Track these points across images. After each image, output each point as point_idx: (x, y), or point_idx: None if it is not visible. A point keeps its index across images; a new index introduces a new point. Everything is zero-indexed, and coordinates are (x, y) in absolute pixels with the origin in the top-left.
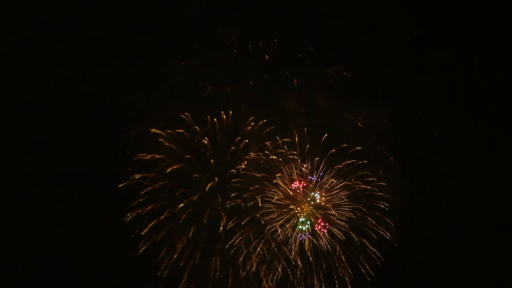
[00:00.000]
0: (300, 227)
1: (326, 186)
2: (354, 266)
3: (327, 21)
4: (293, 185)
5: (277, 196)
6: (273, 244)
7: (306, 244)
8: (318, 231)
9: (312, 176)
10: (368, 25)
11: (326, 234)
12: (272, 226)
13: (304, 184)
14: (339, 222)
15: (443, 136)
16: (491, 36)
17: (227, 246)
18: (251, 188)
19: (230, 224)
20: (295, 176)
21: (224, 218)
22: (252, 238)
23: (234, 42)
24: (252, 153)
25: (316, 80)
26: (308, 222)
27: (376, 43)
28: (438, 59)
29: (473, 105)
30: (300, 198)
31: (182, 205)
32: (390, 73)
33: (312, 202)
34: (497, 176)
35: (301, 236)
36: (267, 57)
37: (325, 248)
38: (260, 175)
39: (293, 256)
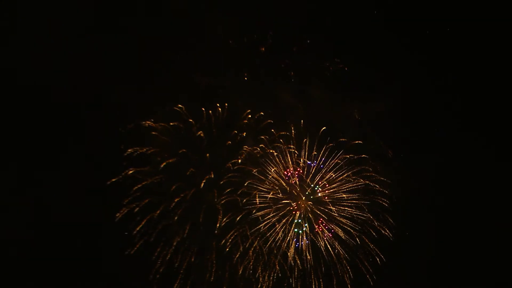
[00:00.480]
0: (296, 230)
1: (323, 181)
2: (354, 265)
3: (323, 13)
4: (285, 173)
5: (273, 191)
6: (270, 240)
7: (303, 246)
8: (320, 233)
9: (310, 170)
10: (366, 18)
11: (330, 238)
12: (267, 222)
13: (301, 171)
14: (339, 219)
15: (444, 131)
16: (492, 32)
17: (222, 242)
18: (246, 184)
19: (226, 219)
20: (290, 166)
21: (221, 214)
22: (249, 234)
23: (229, 34)
24: (248, 147)
25: (313, 73)
26: (306, 225)
27: (376, 35)
28: (438, 54)
29: (475, 99)
30: (296, 192)
31: (178, 199)
32: (388, 66)
33: (311, 197)
34: (497, 171)
35: (297, 242)
36: (263, 49)
37: (323, 246)
38: (255, 169)
39: (289, 252)
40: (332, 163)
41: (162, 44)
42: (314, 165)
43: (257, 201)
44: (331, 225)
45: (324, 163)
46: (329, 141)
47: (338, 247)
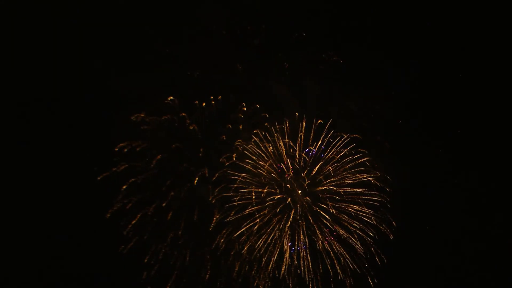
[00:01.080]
0: (292, 231)
1: (319, 176)
2: (353, 264)
3: (318, 6)
4: (279, 165)
5: (268, 186)
6: (265, 238)
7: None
8: (318, 232)
9: (306, 164)
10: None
11: (329, 237)
12: (262, 218)
13: (296, 165)
14: (337, 215)
15: (442, 128)
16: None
17: (217, 239)
18: (239, 179)
19: (220, 216)
20: (285, 161)
21: (216, 210)
22: (244, 231)
23: (223, 26)
24: (242, 141)
25: (307, 66)
26: (303, 223)
27: (370, 28)
28: (433, 46)
29: (471, 93)
30: (292, 187)
31: (172, 194)
32: (384, 59)
33: (307, 190)
34: (496, 166)
35: (293, 247)
36: (258, 41)
37: (321, 245)
38: (249, 165)
39: (286, 251)
40: (328, 157)
41: (154, 37)
42: (310, 158)
43: (253, 197)
44: (329, 223)
45: (320, 157)
46: (325, 134)
47: (337, 245)
